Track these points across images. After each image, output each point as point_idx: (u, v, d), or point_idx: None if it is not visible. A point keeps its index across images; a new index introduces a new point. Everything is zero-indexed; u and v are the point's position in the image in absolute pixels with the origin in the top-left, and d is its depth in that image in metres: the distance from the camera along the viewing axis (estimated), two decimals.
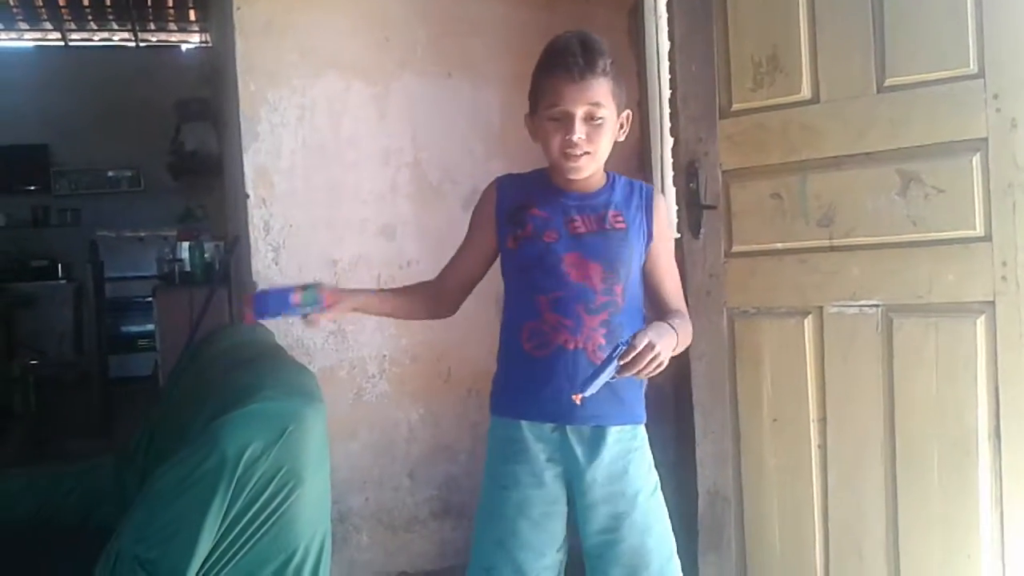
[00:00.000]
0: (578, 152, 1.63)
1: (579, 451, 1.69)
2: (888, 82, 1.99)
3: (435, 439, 2.88)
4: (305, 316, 1.67)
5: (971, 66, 1.87)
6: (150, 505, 1.36)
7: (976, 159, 1.87)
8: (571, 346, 1.66)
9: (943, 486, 1.94)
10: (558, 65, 1.62)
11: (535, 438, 1.70)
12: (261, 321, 1.75)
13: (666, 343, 1.52)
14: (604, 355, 1.55)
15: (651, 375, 1.50)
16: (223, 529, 1.35)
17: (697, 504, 2.33)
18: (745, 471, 2.26)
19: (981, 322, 1.88)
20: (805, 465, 2.15)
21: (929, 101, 1.93)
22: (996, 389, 1.86)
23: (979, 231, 1.88)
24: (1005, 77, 1.83)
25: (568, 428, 1.69)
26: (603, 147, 1.66)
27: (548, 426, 1.70)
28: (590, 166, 1.67)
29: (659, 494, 1.76)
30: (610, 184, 1.75)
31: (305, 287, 1.67)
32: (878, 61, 2.00)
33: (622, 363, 1.44)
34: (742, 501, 2.27)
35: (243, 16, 2.67)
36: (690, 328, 1.73)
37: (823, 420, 2.12)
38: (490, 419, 1.81)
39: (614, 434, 1.70)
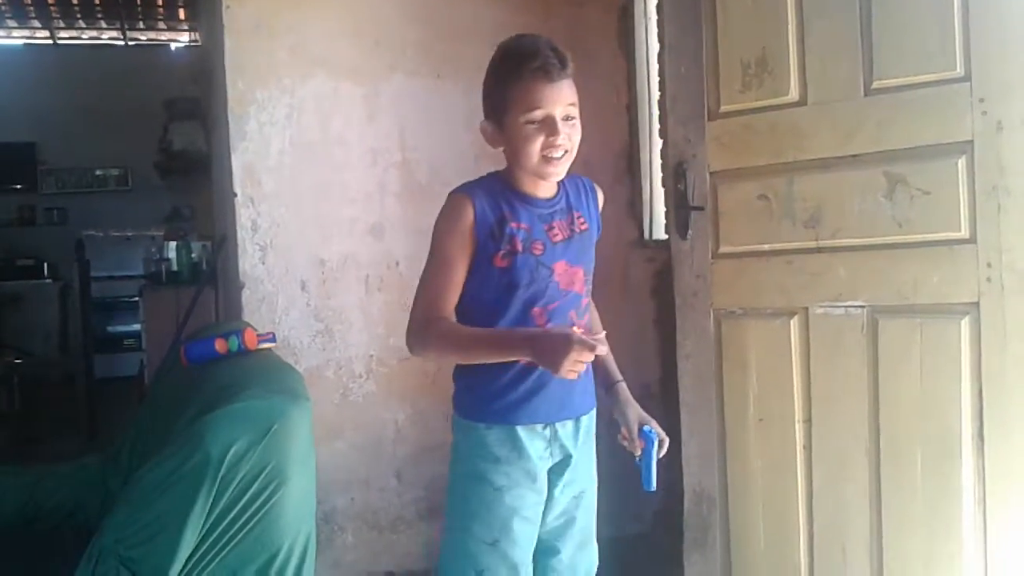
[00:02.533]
0: (560, 154, 1.63)
1: (568, 442, 1.74)
2: (875, 85, 1.99)
3: (422, 439, 2.87)
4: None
5: (957, 69, 1.88)
6: (133, 503, 1.35)
7: (962, 162, 1.88)
8: None
9: (926, 486, 1.95)
10: (534, 68, 1.61)
11: (529, 438, 1.70)
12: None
13: None
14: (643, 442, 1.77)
15: None
16: (207, 527, 1.35)
17: (682, 504, 2.33)
18: (731, 471, 2.26)
19: (965, 323, 1.89)
20: (790, 465, 2.15)
21: (915, 104, 1.94)
22: (980, 390, 1.87)
23: (964, 233, 1.88)
24: (991, 80, 1.84)
25: (556, 423, 1.73)
26: (576, 148, 1.68)
27: (539, 425, 1.72)
28: (567, 167, 1.68)
29: None
30: (562, 186, 1.76)
31: (228, 335, 1.85)
32: (865, 64, 2.00)
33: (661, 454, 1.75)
34: (727, 501, 2.27)
35: (232, 15, 2.67)
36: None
37: (808, 421, 2.13)
38: (468, 425, 1.73)
39: (586, 420, 1.79)
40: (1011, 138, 1.81)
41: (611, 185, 3.07)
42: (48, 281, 7.45)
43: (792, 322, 2.14)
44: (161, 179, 6.91)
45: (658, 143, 3.07)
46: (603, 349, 1.55)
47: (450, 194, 1.72)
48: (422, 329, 1.65)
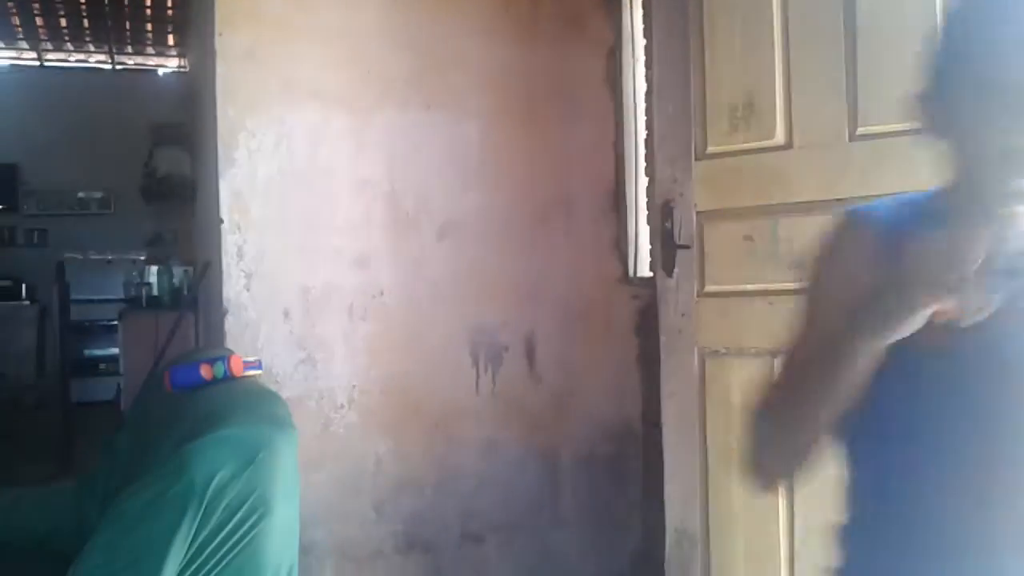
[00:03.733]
0: None
1: None
2: (860, 131, 2.03)
3: (402, 472, 2.86)
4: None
5: None
6: (115, 529, 1.33)
7: None
8: None
9: None
10: None
11: None
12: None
13: None
14: None
15: None
16: (189, 556, 1.33)
17: (663, 543, 2.33)
18: (713, 511, 2.26)
19: None
20: (772, 506, 2.16)
21: (899, 151, 1.97)
22: None
23: None
24: None
25: None
26: None
27: None
28: None
29: None
30: None
31: (213, 361, 1.81)
32: (850, 110, 2.04)
33: None
34: (709, 541, 2.27)
35: (224, 42, 2.68)
36: None
37: None
38: None
39: None
40: None
41: (596, 221, 3.10)
42: (26, 303, 7.39)
43: (776, 363, 2.15)
44: (145, 203, 6.90)
45: (644, 181, 3.10)
46: None
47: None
48: (746, 432, 1.06)
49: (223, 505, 1.35)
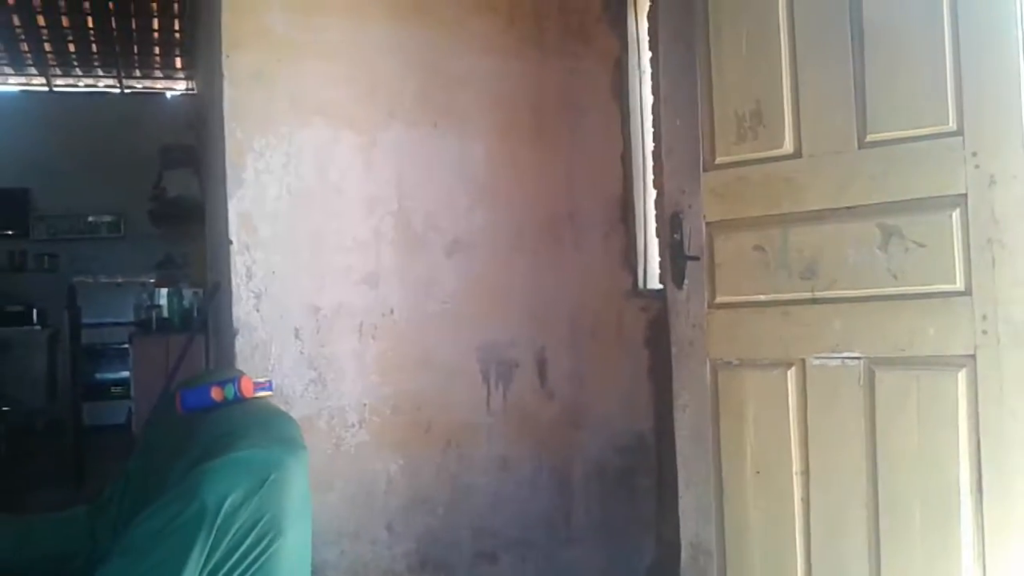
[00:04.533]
0: None
1: None
2: (869, 138, 2.02)
3: (414, 491, 2.84)
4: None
5: (950, 124, 1.90)
6: (128, 553, 1.33)
7: (956, 214, 1.89)
8: None
9: (926, 540, 1.93)
10: None
11: None
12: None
13: None
14: None
15: None
16: None
17: (678, 557, 2.31)
18: (728, 524, 2.24)
19: (962, 376, 1.89)
20: (788, 518, 2.14)
21: (909, 157, 1.96)
22: (978, 443, 1.86)
23: (959, 285, 1.89)
24: (983, 135, 1.86)
25: None
26: None
27: None
28: None
29: None
30: None
31: (224, 383, 1.81)
32: (859, 117, 2.03)
33: None
34: (724, 554, 2.25)
35: (232, 64, 2.68)
36: None
37: (806, 473, 2.12)
38: None
39: None
40: (1004, 192, 1.83)
41: (605, 234, 3.10)
42: (37, 328, 7.41)
43: (789, 373, 2.14)
44: (154, 226, 6.93)
45: (652, 193, 3.09)
46: None
47: None
48: None
49: (235, 528, 1.34)
